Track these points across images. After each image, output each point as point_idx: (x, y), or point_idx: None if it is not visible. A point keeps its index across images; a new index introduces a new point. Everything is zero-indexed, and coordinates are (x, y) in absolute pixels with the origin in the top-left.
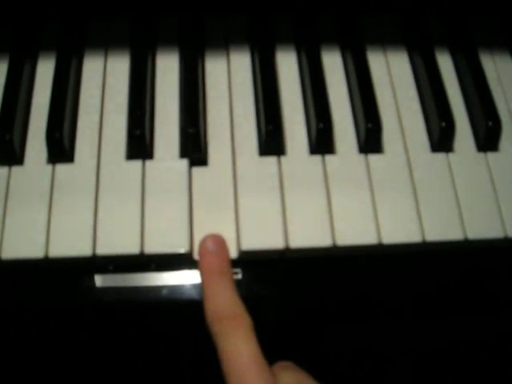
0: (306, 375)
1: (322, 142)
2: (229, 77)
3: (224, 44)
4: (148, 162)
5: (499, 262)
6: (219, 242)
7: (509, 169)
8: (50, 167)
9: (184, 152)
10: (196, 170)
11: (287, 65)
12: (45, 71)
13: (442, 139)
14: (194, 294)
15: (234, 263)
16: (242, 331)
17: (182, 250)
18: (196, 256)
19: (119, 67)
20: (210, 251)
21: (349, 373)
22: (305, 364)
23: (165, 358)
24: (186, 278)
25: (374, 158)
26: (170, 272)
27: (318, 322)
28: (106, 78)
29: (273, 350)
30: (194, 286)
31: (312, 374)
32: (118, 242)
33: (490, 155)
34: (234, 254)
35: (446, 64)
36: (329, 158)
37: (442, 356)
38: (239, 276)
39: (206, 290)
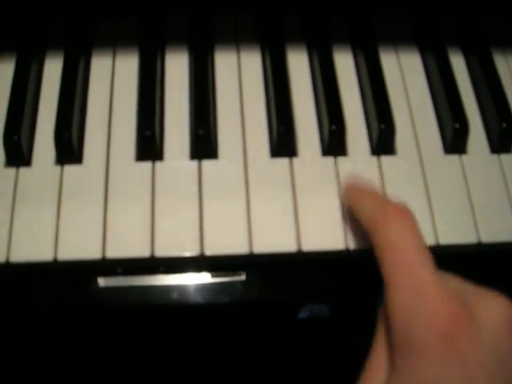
0: (463, 280)
1: (334, 143)
2: (239, 76)
3: (234, 43)
4: (158, 163)
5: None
6: (359, 179)
7: None
8: (58, 168)
9: (194, 153)
10: (207, 171)
11: (298, 64)
12: (52, 70)
13: (455, 141)
14: (202, 297)
15: (240, 266)
16: (408, 222)
17: (193, 253)
18: (208, 253)
19: (128, 66)
20: (357, 184)
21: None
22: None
23: (170, 359)
24: (194, 280)
25: (386, 159)
26: (178, 274)
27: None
28: (114, 77)
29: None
30: (203, 288)
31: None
32: (128, 244)
33: (504, 157)
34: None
35: (458, 64)
36: (341, 159)
37: None
38: (243, 278)
39: (355, 201)
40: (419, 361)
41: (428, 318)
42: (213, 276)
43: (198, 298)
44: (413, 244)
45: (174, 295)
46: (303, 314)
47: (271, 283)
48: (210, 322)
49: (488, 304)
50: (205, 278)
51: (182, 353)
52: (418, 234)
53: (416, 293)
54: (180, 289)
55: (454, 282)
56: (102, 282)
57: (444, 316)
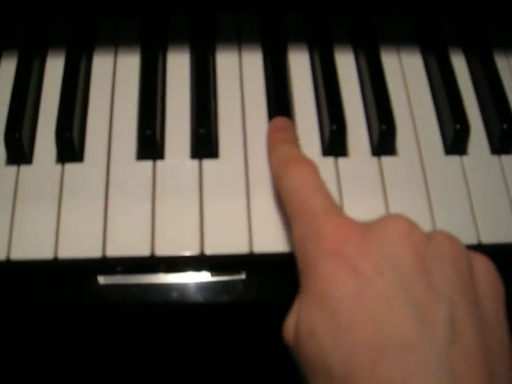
0: None
1: (334, 143)
2: (240, 75)
3: (236, 42)
4: (159, 162)
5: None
6: (288, 122)
7: None
8: (59, 166)
9: (195, 152)
10: (207, 170)
11: (299, 64)
12: (54, 68)
13: (456, 142)
14: (203, 296)
15: (240, 265)
16: (306, 169)
17: (193, 252)
18: (208, 252)
19: (129, 64)
20: (280, 127)
21: None
22: None
23: (170, 358)
24: (194, 279)
25: (387, 160)
26: (178, 273)
27: None
28: (116, 76)
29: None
30: (203, 287)
31: None
32: (129, 243)
33: (505, 158)
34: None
35: (460, 65)
36: (341, 159)
37: None
38: (243, 277)
39: (270, 149)
40: (314, 276)
41: (317, 235)
42: (213, 275)
43: (197, 297)
44: (309, 184)
45: (174, 294)
46: None
47: (271, 283)
48: (209, 322)
49: (385, 221)
50: (205, 277)
51: (181, 352)
52: (316, 179)
53: (308, 219)
54: (180, 288)
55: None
56: (101, 280)
57: (331, 230)
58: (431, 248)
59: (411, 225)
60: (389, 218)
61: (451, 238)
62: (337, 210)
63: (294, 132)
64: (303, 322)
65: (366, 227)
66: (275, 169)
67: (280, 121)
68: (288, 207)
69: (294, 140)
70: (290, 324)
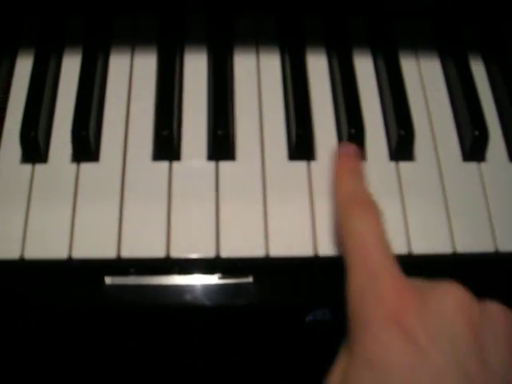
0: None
1: None
2: (258, 78)
3: (254, 44)
4: (175, 163)
5: None
6: (353, 148)
7: None
8: (74, 166)
9: (212, 154)
10: (224, 172)
11: (318, 67)
12: (70, 67)
13: (474, 148)
14: (217, 298)
15: (244, 270)
16: (371, 215)
17: (208, 254)
18: (223, 255)
19: (146, 65)
20: (348, 155)
21: None
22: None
23: (180, 359)
24: (208, 282)
25: (404, 165)
26: (191, 275)
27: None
28: (132, 76)
29: None
30: (216, 289)
31: None
32: (143, 244)
33: None
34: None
35: (479, 71)
36: None
37: None
38: (250, 280)
39: (338, 181)
40: (369, 338)
41: (377, 297)
42: (225, 278)
43: (211, 300)
44: (373, 235)
45: (187, 296)
46: (312, 317)
47: (286, 286)
48: (222, 324)
49: (442, 291)
50: (217, 279)
51: (192, 353)
52: (379, 228)
53: (369, 275)
54: (193, 290)
55: (415, 280)
56: (114, 280)
57: (392, 295)
58: (486, 323)
59: (468, 297)
60: (446, 288)
61: (505, 313)
62: (397, 268)
63: (360, 162)
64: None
65: (424, 294)
66: (342, 205)
67: (348, 148)
68: (348, 251)
69: (361, 172)
70: (335, 379)
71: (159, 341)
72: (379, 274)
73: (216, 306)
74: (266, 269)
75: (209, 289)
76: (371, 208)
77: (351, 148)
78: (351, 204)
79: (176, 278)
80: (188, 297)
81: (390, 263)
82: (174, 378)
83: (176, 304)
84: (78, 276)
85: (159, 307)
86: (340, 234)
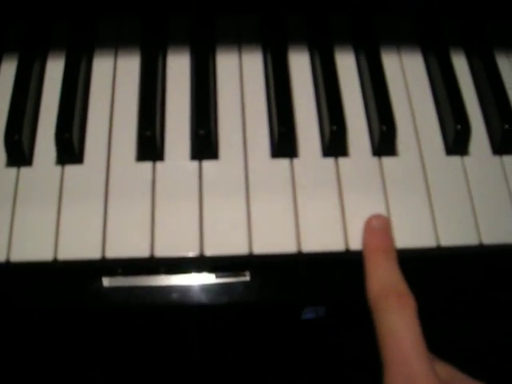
0: (454, 368)
1: (335, 144)
2: (240, 77)
3: (236, 43)
4: (158, 164)
5: None
6: (384, 222)
7: None
8: (59, 168)
9: (195, 153)
10: (207, 171)
11: (300, 65)
12: (54, 70)
13: (457, 142)
14: (204, 297)
15: (241, 266)
16: (408, 312)
17: (193, 253)
18: (207, 253)
19: (130, 67)
20: (376, 229)
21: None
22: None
23: (172, 358)
24: (196, 281)
25: (387, 160)
26: (179, 275)
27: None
28: (116, 78)
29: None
30: (204, 288)
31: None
32: (128, 244)
33: (506, 158)
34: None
35: (461, 65)
36: (342, 160)
37: None
38: (247, 278)
39: (370, 266)
40: None
41: None
42: (217, 277)
43: (198, 299)
44: (410, 335)
45: (175, 296)
46: (308, 315)
47: (274, 284)
48: (210, 323)
49: None
50: (205, 278)
51: (184, 353)
52: (416, 325)
53: (409, 383)
54: (181, 289)
55: (445, 371)
56: (105, 282)
57: None
58: None
59: None
60: None
61: None
62: (434, 374)
63: (392, 239)
64: None
65: None
66: (375, 295)
67: (377, 221)
68: (384, 350)
69: (394, 252)
70: None
71: (155, 341)
72: (418, 382)
73: (210, 305)
74: (258, 267)
75: (203, 288)
76: (407, 302)
77: (381, 221)
78: (385, 295)
79: (167, 278)
80: (180, 296)
81: (428, 369)
82: (168, 377)
83: (165, 304)
84: (65, 278)
85: (156, 308)
86: (374, 323)
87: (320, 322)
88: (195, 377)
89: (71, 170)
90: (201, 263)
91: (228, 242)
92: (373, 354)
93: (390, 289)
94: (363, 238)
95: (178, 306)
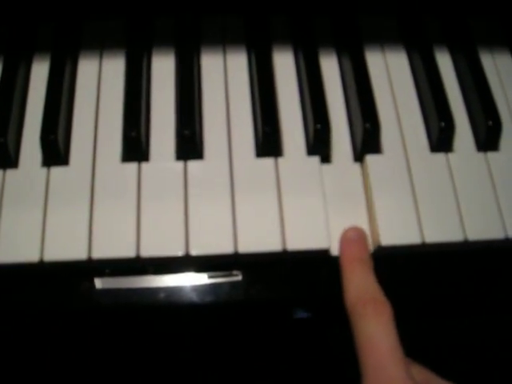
0: (430, 372)
1: (319, 142)
2: (225, 77)
3: (221, 44)
4: (144, 164)
5: (500, 263)
6: (360, 233)
7: (509, 168)
8: (44, 170)
9: (180, 154)
10: (192, 171)
11: (284, 65)
12: (40, 73)
13: (441, 139)
14: (193, 297)
15: (227, 265)
16: (384, 318)
17: (179, 253)
18: (193, 253)
19: (115, 68)
20: (352, 240)
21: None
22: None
23: (163, 359)
24: (183, 281)
25: (372, 158)
26: (168, 275)
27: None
28: (101, 79)
29: None
30: (193, 288)
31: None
32: (114, 245)
33: (490, 155)
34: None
35: (445, 63)
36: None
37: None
38: (239, 278)
39: (347, 275)
40: None
41: None
42: (209, 277)
43: (185, 299)
44: (387, 341)
45: (163, 296)
46: (301, 314)
47: (260, 283)
48: (200, 323)
49: None
50: (192, 278)
51: (175, 353)
52: (393, 331)
53: None
54: (168, 289)
55: (422, 374)
56: (92, 282)
57: None
58: None
59: None
60: None
61: None
62: (410, 375)
63: (367, 248)
64: None
65: None
66: (352, 303)
67: (353, 233)
68: (361, 356)
69: (369, 261)
70: None
71: (145, 341)
72: None
73: (197, 305)
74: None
75: (191, 288)
76: (384, 309)
77: (357, 232)
78: (362, 303)
79: (155, 278)
80: (168, 296)
81: (405, 374)
82: (158, 377)
83: (156, 304)
84: (52, 279)
85: (144, 308)
86: (352, 330)
87: (312, 321)
88: (186, 377)
89: (57, 171)
90: (187, 263)
91: (213, 242)
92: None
93: (367, 296)
94: (340, 248)
95: (166, 306)
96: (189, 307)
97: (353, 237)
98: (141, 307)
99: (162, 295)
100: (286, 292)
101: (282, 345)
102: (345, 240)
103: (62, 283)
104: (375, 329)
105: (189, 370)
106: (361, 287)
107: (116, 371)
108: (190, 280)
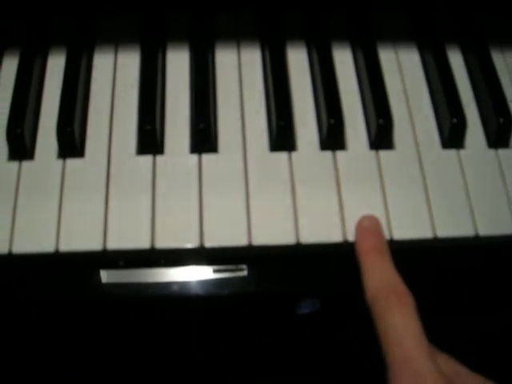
0: (456, 362)
1: (332, 137)
2: (239, 72)
3: (235, 39)
4: (158, 157)
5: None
6: (375, 222)
7: None
8: (60, 162)
9: (195, 147)
10: (207, 164)
11: (298, 60)
12: (55, 66)
13: (452, 136)
14: (202, 290)
15: (240, 258)
16: (408, 310)
17: (193, 245)
18: (207, 245)
19: (130, 62)
20: (368, 230)
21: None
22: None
23: (171, 352)
24: (195, 274)
25: (384, 154)
26: (179, 267)
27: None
28: (116, 73)
29: None
30: (203, 281)
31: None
32: (129, 236)
33: (501, 151)
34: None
35: (456, 60)
36: (339, 154)
37: None
38: (245, 272)
39: (366, 267)
40: None
41: None
42: (214, 270)
43: (198, 291)
44: (412, 333)
45: (175, 288)
46: (303, 309)
47: (271, 276)
48: (210, 316)
49: None
50: (206, 271)
51: (182, 346)
52: (417, 322)
53: (415, 381)
54: (181, 282)
55: (449, 365)
56: (104, 274)
57: None
58: None
59: None
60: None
61: None
62: (437, 366)
63: (384, 237)
64: None
65: None
66: (374, 296)
67: (369, 222)
68: (387, 350)
69: (387, 250)
70: None
71: (153, 333)
72: (424, 379)
73: (210, 297)
74: (256, 259)
75: (203, 280)
76: (406, 300)
77: (372, 221)
78: (384, 295)
79: (169, 270)
80: (180, 289)
81: (432, 365)
82: (166, 368)
83: (165, 296)
84: (67, 270)
85: (153, 300)
86: (375, 323)
87: (316, 316)
88: (193, 370)
89: (72, 163)
90: (199, 255)
91: (227, 234)
92: (373, 349)
93: (389, 288)
94: (356, 239)
95: (177, 298)
96: (194, 300)
97: (369, 226)
98: (149, 300)
99: (171, 288)
100: (293, 286)
101: (288, 340)
102: (360, 230)
103: (77, 273)
104: (400, 320)
105: (194, 363)
106: (382, 279)
107: (123, 361)
108: (197, 272)
